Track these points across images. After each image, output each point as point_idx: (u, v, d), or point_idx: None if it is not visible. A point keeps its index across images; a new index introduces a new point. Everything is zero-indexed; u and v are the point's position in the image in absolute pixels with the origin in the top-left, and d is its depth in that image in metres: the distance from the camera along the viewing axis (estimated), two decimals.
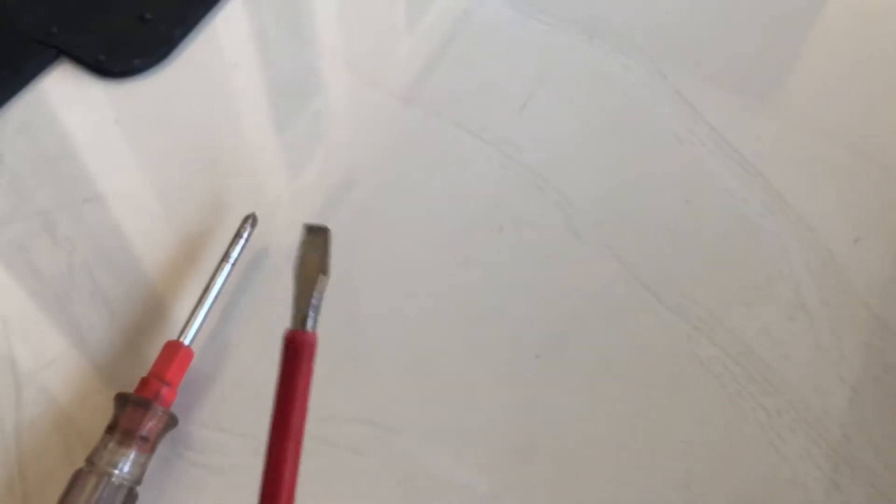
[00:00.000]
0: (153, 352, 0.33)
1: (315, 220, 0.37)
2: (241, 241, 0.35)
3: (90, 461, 0.29)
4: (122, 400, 0.30)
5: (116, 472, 0.29)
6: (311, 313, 0.26)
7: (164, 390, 0.31)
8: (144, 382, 0.31)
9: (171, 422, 0.31)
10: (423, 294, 0.36)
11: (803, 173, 0.41)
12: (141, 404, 0.30)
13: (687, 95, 0.43)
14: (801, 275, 0.37)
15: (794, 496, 0.32)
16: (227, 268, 0.34)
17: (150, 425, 0.30)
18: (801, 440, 0.33)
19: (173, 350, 0.32)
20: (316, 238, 0.27)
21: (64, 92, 0.41)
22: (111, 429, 0.30)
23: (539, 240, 0.38)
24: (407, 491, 0.31)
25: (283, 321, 0.35)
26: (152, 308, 0.35)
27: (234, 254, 0.34)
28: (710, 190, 0.40)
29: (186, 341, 0.32)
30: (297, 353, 0.26)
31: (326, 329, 0.34)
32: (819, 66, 0.46)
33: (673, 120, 0.43)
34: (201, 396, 0.33)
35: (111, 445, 0.29)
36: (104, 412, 0.32)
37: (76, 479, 0.29)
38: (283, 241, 0.37)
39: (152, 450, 0.30)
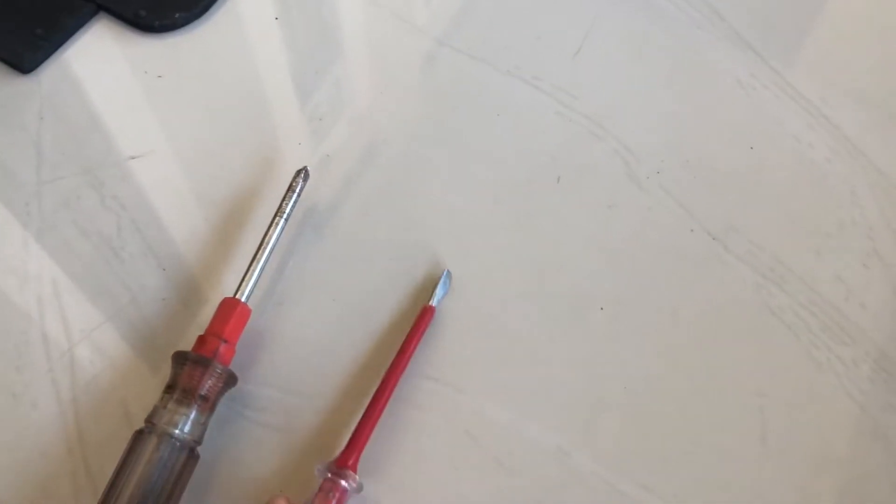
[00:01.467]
0: (207, 311, 0.32)
1: (364, 173, 0.37)
2: (294, 196, 0.33)
3: (150, 421, 0.28)
4: (180, 358, 0.29)
5: (177, 431, 0.28)
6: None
7: (223, 348, 0.30)
8: (202, 340, 0.30)
9: (231, 380, 0.30)
10: (483, 248, 0.35)
11: (871, 116, 0.39)
12: (200, 362, 0.29)
13: (746, 37, 0.42)
14: (874, 220, 0.36)
15: (875, 447, 0.31)
16: (280, 223, 0.33)
17: (209, 384, 0.29)
18: (880, 391, 0.32)
19: (230, 307, 0.31)
20: None
21: (104, 48, 0.40)
22: (170, 388, 0.29)
23: (599, 189, 0.37)
24: (472, 445, 0.31)
25: (334, 278, 0.34)
26: (204, 265, 0.34)
27: (288, 208, 0.33)
28: (774, 135, 0.38)
29: (243, 298, 0.31)
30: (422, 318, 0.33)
31: (390, 287, 0.34)
32: (881, 5, 0.44)
33: (733, 63, 0.41)
34: (258, 355, 0.32)
35: (170, 405, 0.28)
36: (160, 373, 0.32)
37: (136, 440, 0.28)
38: (331, 196, 0.36)
39: (212, 409, 0.29)
